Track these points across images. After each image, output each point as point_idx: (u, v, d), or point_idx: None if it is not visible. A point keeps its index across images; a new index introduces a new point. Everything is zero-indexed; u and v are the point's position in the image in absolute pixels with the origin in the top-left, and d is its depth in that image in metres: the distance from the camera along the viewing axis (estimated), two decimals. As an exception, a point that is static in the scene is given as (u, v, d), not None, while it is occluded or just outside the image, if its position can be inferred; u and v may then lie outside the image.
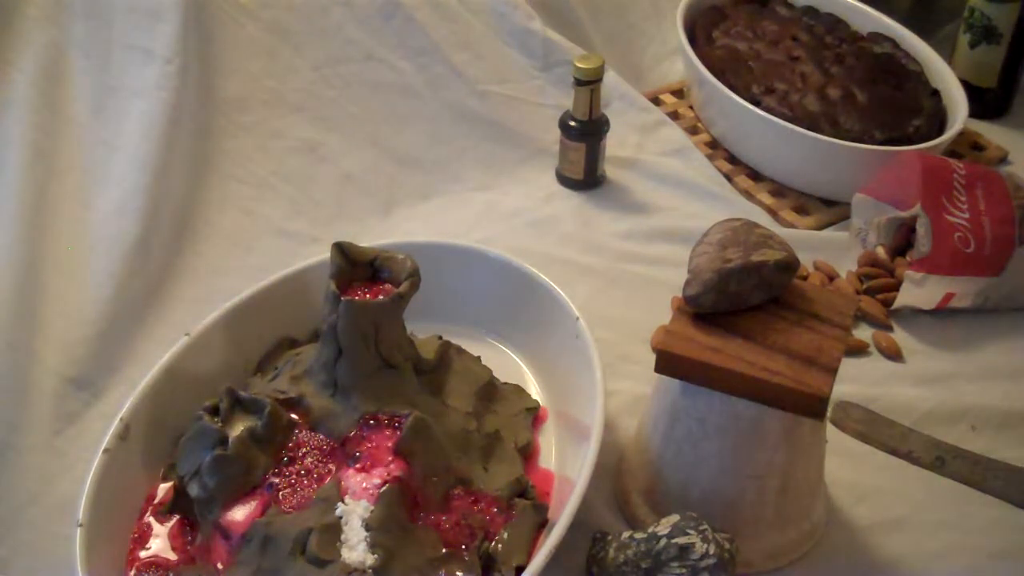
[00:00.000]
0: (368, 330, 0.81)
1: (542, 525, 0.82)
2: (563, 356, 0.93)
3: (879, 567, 0.84)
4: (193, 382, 0.89)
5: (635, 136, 1.28)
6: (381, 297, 0.83)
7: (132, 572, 0.80)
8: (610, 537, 0.80)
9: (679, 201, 1.19)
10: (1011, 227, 1.05)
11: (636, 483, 0.87)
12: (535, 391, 0.96)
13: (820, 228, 1.18)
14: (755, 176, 1.24)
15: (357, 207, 1.17)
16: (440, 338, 0.92)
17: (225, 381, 0.86)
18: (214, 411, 0.83)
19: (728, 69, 1.26)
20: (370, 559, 0.74)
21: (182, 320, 0.99)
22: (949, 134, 1.19)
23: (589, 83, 1.15)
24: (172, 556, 0.81)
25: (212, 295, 1.00)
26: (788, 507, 0.82)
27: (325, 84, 1.23)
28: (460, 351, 0.93)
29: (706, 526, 0.75)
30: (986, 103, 1.33)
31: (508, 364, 0.98)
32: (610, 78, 1.26)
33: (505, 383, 0.94)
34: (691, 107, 1.34)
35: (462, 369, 0.91)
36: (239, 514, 0.78)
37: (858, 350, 1.02)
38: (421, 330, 0.92)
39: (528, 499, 0.83)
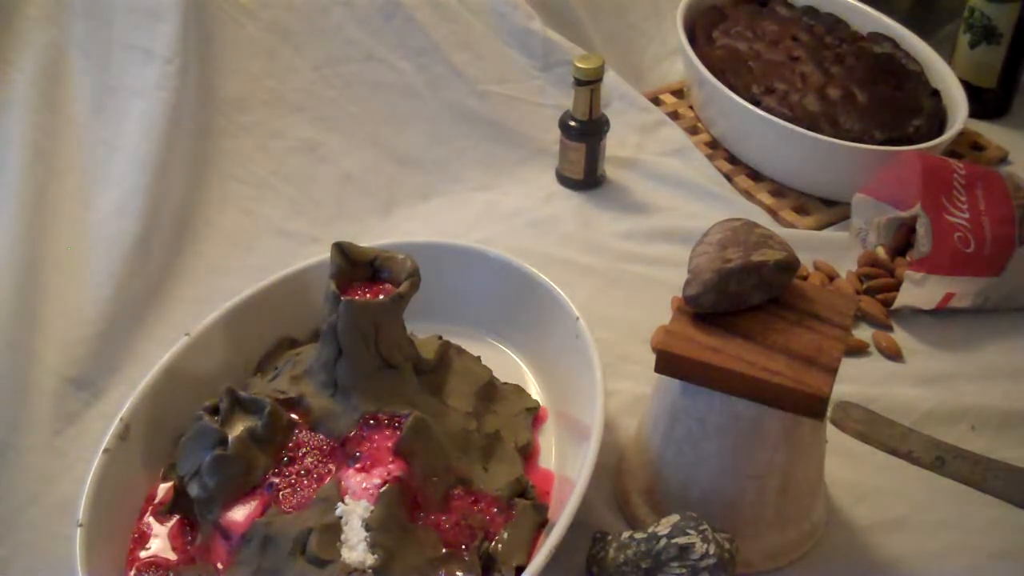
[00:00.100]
0: (368, 330, 0.81)
1: (542, 525, 0.82)
2: (563, 356, 0.93)
3: (879, 567, 0.84)
4: (193, 382, 0.89)
5: (635, 136, 1.28)
6: (381, 297, 0.83)
7: (132, 572, 0.80)
8: (610, 537, 0.80)
9: (679, 201, 1.19)
10: (1011, 227, 1.05)
11: (636, 483, 0.87)
12: (535, 391, 0.96)
13: (820, 228, 1.18)
14: (755, 176, 1.24)
15: (357, 207, 1.17)
16: (440, 338, 0.92)
17: (225, 381, 0.86)
18: (214, 411, 0.83)
19: (728, 69, 1.26)
20: (370, 559, 0.74)
21: (182, 320, 0.99)
22: (949, 134, 1.19)
23: (589, 83, 1.15)
24: (172, 556, 0.81)
25: (212, 295, 1.00)
26: (788, 507, 0.82)
27: (325, 84, 1.23)
28: (460, 351, 0.93)
29: (706, 526, 0.75)
30: (986, 103, 1.33)
31: (508, 364, 0.97)
32: (610, 78, 1.26)
33: (505, 383, 0.94)
34: (691, 107, 1.34)
35: (462, 369, 0.91)
36: (239, 514, 0.78)
37: (858, 350, 1.02)
38: (421, 330, 0.92)
39: (528, 499, 0.83)
